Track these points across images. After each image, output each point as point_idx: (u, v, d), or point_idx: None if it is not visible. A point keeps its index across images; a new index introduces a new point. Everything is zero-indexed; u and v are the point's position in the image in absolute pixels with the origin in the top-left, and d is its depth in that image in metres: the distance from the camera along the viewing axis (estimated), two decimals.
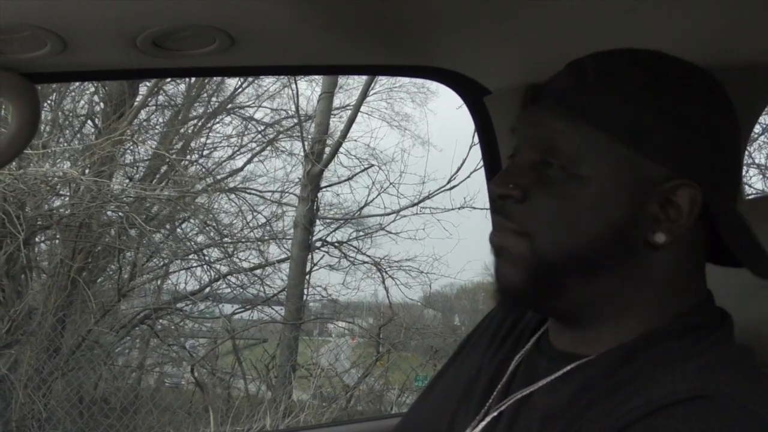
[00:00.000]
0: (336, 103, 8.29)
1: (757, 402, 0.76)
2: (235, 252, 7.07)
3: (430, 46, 1.29)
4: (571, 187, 0.87)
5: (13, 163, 4.81)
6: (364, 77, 7.78)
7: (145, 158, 6.46)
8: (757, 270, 0.89)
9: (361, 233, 7.99)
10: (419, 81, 6.76)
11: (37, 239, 5.99)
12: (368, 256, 7.71)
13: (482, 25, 1.19)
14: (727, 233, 0.88)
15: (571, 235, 0.87)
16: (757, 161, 6.39)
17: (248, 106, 7.95)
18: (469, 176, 7.01)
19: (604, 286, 0.88)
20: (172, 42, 1.13)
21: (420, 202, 7.54)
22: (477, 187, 7.27)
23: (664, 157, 0.86)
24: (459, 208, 7.34)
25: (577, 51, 1.25)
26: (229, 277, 6.96)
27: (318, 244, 7.74)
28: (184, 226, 6.84)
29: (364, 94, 7.98)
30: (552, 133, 0.88)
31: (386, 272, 7.65)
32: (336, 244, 7.80)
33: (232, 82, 7.54)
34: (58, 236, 5.87)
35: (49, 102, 5.92)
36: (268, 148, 7.88)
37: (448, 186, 7.24)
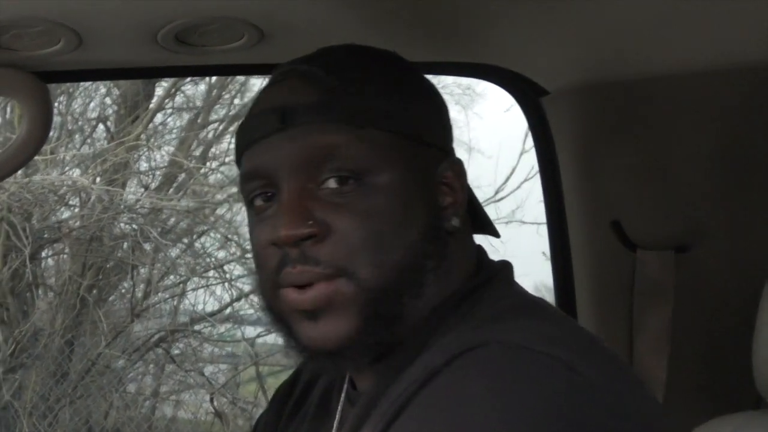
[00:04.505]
0: None
1: (528, 339, 0.78)
2: None
3: (480, 41, 1.29)
4: (373, 200, 0.87)
5: (19, 171, 4.88)
6: None
7: (162, 165, 6.51)
8: (489, 230, 0.98)
9: None
10: (464, 82, 6.74)
11: (44, 254, 6.05)
12: None
13: (539, 17, 1.19)
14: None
15: (390, 252, 0.86)
16: None
17: None
18: (519, 187, 6.98)
19: (429, 289, 0.88)
20: (197, 37, 1.14)
21: None
22: (526, 197, 7.24)
23: (433, 140, 0.92)
24: (507, 222, 7.31)
25: (644, 44, 1.25)
26: (252, 296, 6.98)
27: None
28: (203, 239, 6.87)
29: None
30: (331, 149, 0.87)
31: None
32: None
33: (256, 83, 7.58)
34: (66, 250, 5.94)
35: (57, 104, 5.99)
36: None
37: (496, 197, 7.22)
